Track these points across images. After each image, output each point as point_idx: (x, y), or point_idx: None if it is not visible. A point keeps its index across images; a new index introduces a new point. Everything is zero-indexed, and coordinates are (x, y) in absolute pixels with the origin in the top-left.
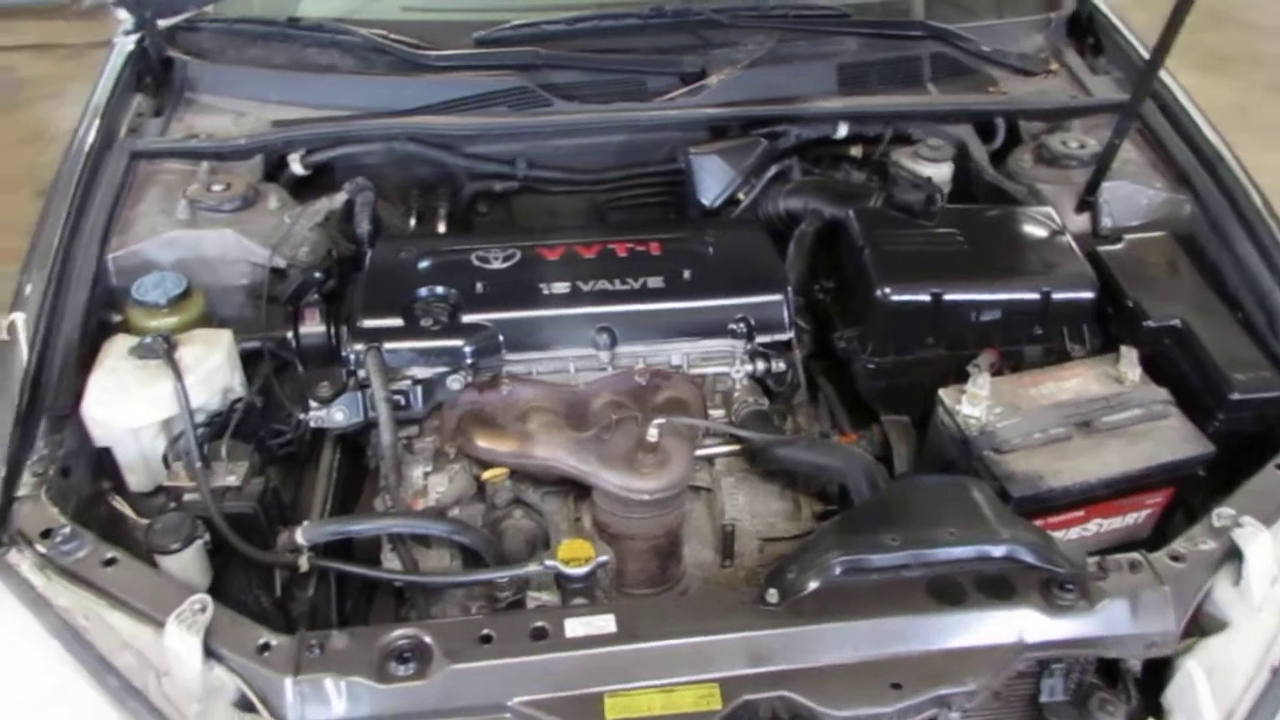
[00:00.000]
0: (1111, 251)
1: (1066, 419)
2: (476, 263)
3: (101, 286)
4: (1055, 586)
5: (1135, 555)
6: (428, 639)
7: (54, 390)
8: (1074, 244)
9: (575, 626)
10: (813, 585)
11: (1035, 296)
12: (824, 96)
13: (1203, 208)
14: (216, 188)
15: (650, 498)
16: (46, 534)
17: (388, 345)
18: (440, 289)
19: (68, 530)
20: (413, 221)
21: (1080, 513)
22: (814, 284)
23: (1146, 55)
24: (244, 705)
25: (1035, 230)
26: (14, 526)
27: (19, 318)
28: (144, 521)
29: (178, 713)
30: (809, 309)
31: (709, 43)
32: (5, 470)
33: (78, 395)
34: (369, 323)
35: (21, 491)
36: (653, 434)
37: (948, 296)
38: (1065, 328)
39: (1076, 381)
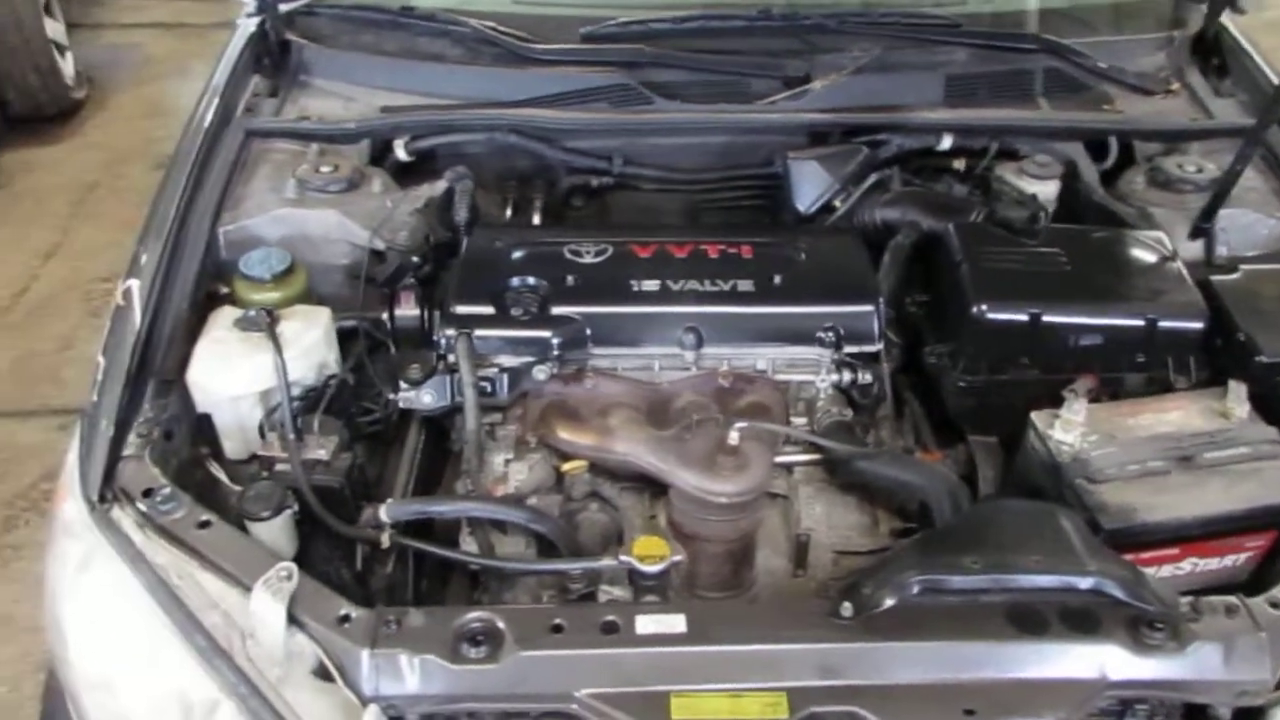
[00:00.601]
0: (1225, 282)
1: (1166, 452)
2: (569, 256)
3: (211, 259)
4: (1144, 624)
5: (1232, 599)
6: (500, 624)
7: (162, 356)
8: (1185, 271)
9: (646, 623)
10: (889, 602)
11: (1140, 323)
12: (929, 107)
13: None
14: (324, 169)
15: (727, 501)
16: (148, 493)
17: (478, 332)
18: (532, 280)
19: (167, 491)
20: (509, 212)
21: (1175, 550)
22: (907, 297)
23: (1276, 79)
24: (322, 673)
25: (1144, 255)
26: (118, 484)
27: (134, 284)
28: (237, 488)
29: (259, 675)
30: (900, 322)
31: (815, 47)
32: (114, 430)
33: (183, 362)
34: (461, 309)
35: (127, 451)
36: (734, 437)
37: (1047, 317)
38: (1170, 358)
39: (1179, 414)
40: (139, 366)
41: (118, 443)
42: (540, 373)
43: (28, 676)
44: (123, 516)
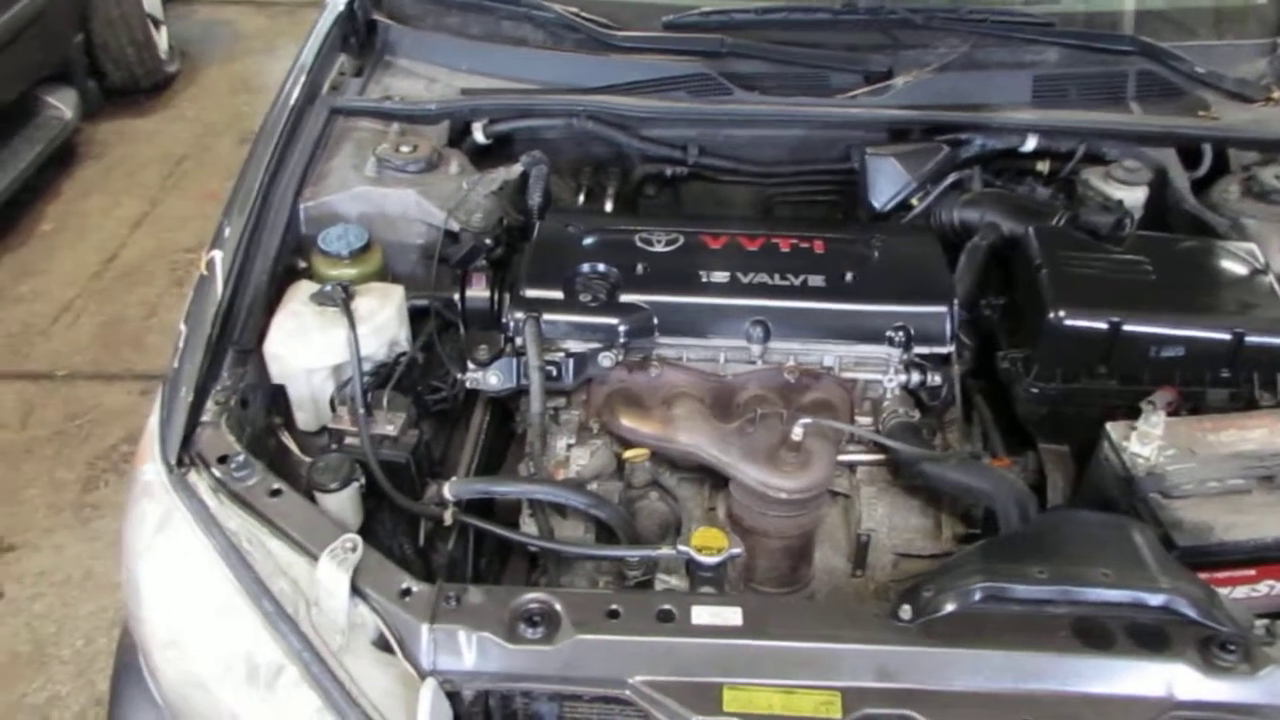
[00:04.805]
0: None
1: (1247, 470)
2: (639, 244)
3: (292, 233)
4: (1215, 645)
5: None
6: (558, 606)
7: (241, 326)
8: (1277, 286)
9: (702, 614)
10: (950, 607)
11: (1226, 337)
12: (1015, 107)
13: None
14: (404, 149)
15: (788, 496)
16: (223, 459)
17: (546, 316)
18: (601, 266)
19: (242, 458)
20: (581, 198)
21: (1251, 572)
22: (982, 300)
23: None
24: (382, 644)
25: (1234, 266)
26: (196, 449)
27: (218, 255)
28: (307, 459)
29: (322, 642)
30: (973, 325)
31: (899, 43)
32: (193, 396)
33: (261, 333)
34: (531, 293)
35: (205, 417)
36: (798, 433)
37: (1127, 327)
38: (1256, 374)
39: (1263, 432)
40: (219, 336)
41: (196, 409)
42: (606, 359)
43: (103, 632)
44: (199, 481)
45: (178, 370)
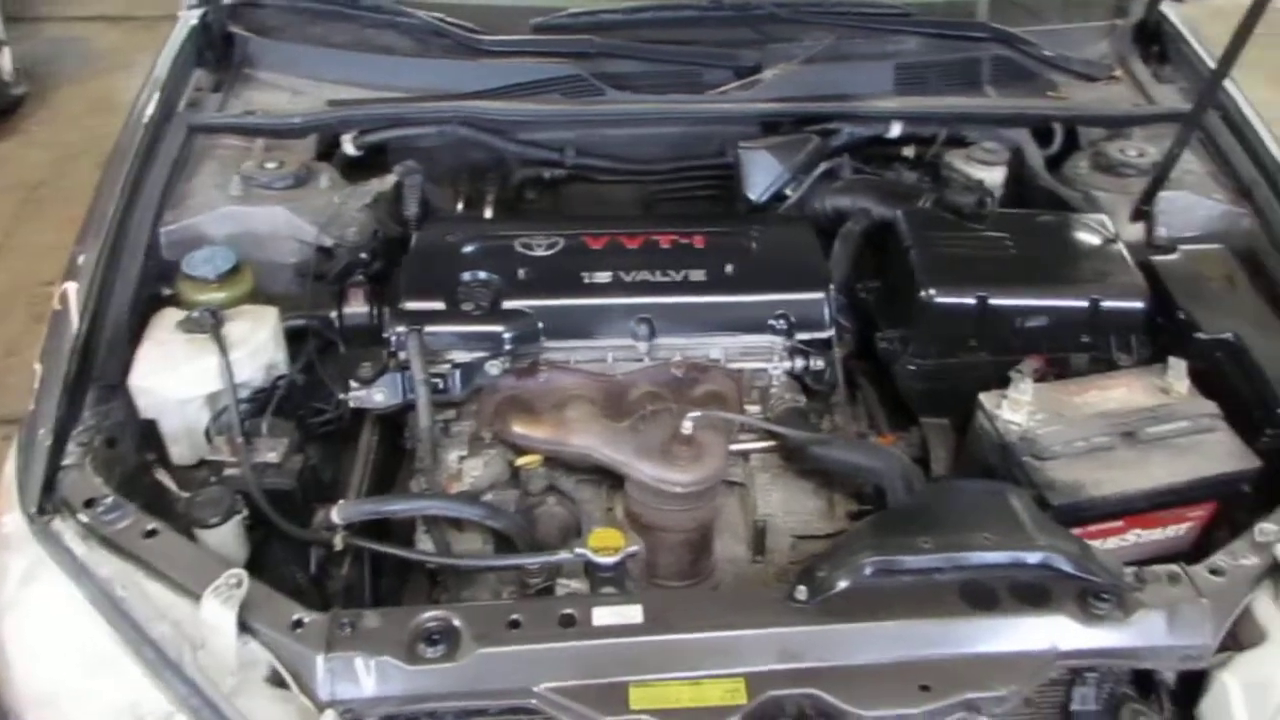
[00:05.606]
0: (1165, 262)
1: (1110, 429)
2: (520, 249)
3: (154, 259)
4: (1091, 596)
5: (1174, 567)
6: (457, 622)
7: (103, 361)
8: (1126, 253)
9: (603, 615)
10: (843, 584)
11: (1084, 304)
12: (880, 96)
13: (1263, 222)
14: (270, 165)
15: (684, 490)
16: (90, 503)
17: (429, 328)
18: (483, 274)
19: (111, 500)
20: (460, 206)
21: (1120, 523)
22: (858, 283)
23: (1213, 66)
24: (276, 680)
25: (1087, 237)
26: (59, 495)
27: (71, 287)
28: (185, 494)
29: (212, 685)
30: (852, 308)
31: (766, 37)
32: (52, 439)
33: (126, 367)
34: (412, 305)
35: (67, 460)
36: (688, 426)
37: (993, 301)
38: (1113, 337)
39: (1122, 391)
40: (78, 372)
41: (57, 452)
42: (493, 368)
43: None
44: (64, 528)
45: (34, 412)
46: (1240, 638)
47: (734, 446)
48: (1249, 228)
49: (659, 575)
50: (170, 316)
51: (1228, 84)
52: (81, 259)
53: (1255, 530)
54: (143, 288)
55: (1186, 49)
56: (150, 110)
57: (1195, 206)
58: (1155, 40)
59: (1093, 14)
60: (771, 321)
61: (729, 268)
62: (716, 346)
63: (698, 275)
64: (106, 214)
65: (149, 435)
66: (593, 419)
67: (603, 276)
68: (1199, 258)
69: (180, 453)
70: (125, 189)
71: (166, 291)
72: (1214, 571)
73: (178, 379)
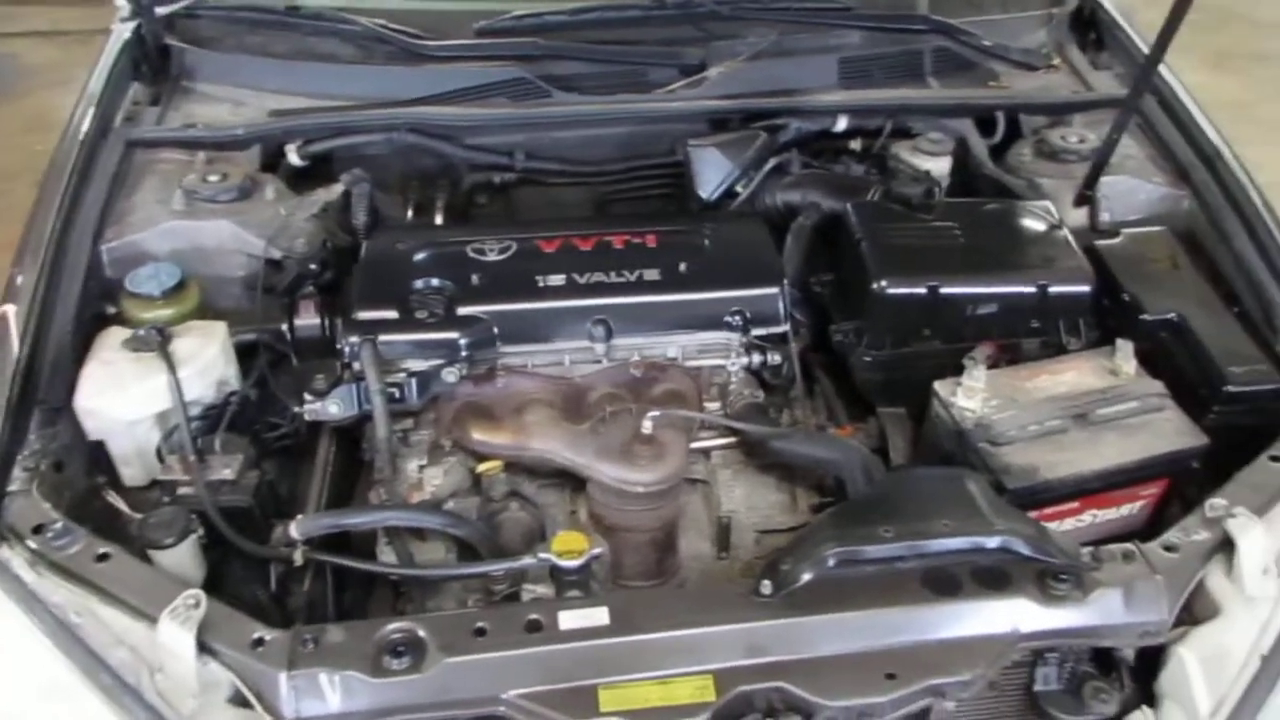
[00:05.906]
0: (1109, 246)
1: (1062, 412)
2: (472, 255)
3: (96, 278)
4: (1050, 577)
5: (1129, 546)
6: (422, 633)
7: (47, 383)
8: (1071, 238)
9: (569, 619)
10: (807, 577)
11: (1032, 290)
12: (825, 90)
13: (1201, 203)
14: (213, 178)
15: (646, 490)
16: (38, 529)
17: (383, 337)
18: (436, 281)
19: (60, 525)
20: (410, 213)
21: (1075, 504)
22: (812, 277)
23: (1147, 51)
24: (239, 700)
25: (1033, 224)
26: (5, 522)
27: (10, 310)
28: (138, 516)
29: (172, 709)
30: (807, 302)
31: (710, 35)
32: None
33: (71, 388)
34: (364, 315)
35: (13, 486)
36: (648, 426)
37: (944, 290)
38: (1062, 321)
39: (1072, 375)
40: (20, 396)
41: (2, 478)
42: (450, 375)
43: None
44: (12, 556)
45: None
46: (1195, 612)
47: (695, 444)
48: (1189, 209)
49: (625, 576)
50: (115, 335)
51: (1163, 69)
52: (20, 280)
53: (1205, 506)
54: (85, 307)
55: (1121, 35)
56: (86, 126)
57: (1136, 190)
58: (1091, 28)
59: (1030, 3)
60: (727, 318)
61: (683, 266)
62: (673, 345)
63: (652, 275)
64: (44, 234)
65: (98, 457)
66: (552, 422)
67: (557, 279)
68: (1141, 240)
69: (131, 474)
70: (63, 208)
71: (111, 310)
72: (1167, 548)
73: (125, 399)
